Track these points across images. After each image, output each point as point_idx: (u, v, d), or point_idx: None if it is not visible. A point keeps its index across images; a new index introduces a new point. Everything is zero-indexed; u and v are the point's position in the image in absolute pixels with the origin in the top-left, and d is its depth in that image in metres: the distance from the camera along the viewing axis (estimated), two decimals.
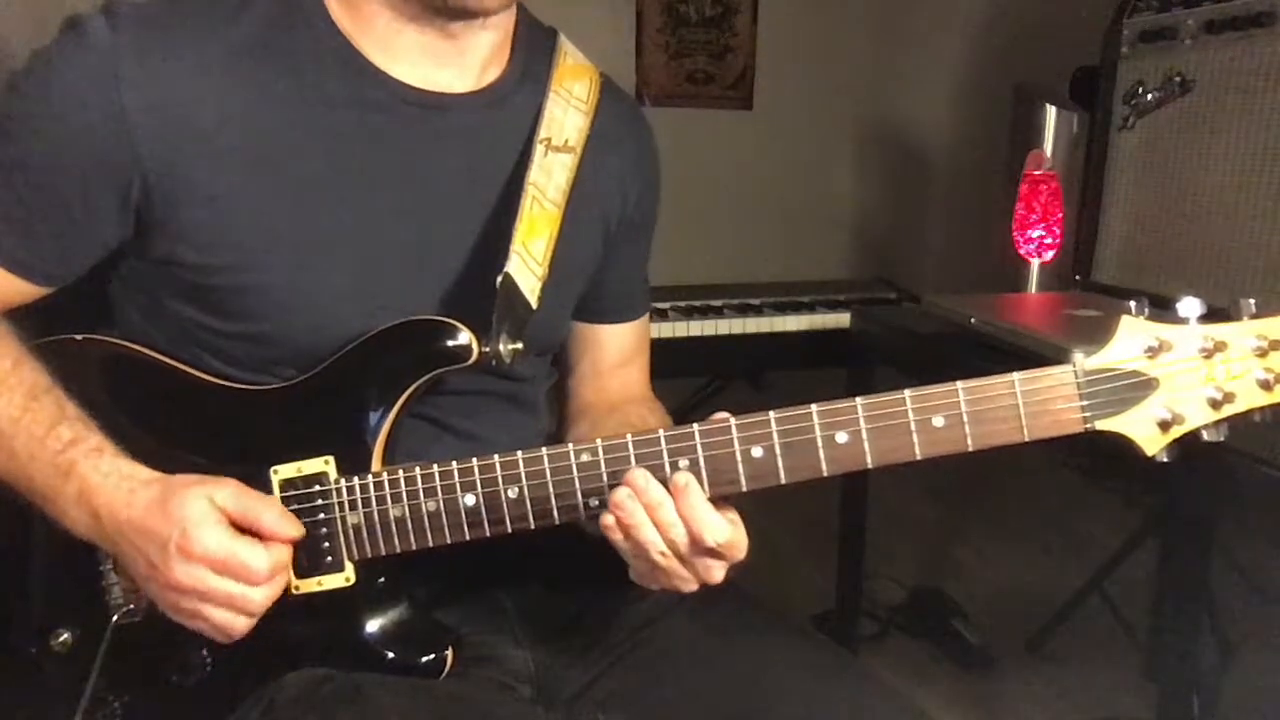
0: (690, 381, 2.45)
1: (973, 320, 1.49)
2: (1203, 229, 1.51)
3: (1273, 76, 1.39)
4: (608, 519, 0.79)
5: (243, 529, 0.80)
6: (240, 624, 0.81)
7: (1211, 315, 0.75)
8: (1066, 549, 2.62)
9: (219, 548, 0.78)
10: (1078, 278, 1.77)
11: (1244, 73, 1.43)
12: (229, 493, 0.81)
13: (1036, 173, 1.96)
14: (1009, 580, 2.57)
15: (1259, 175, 1.41)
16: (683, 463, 0.79)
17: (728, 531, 0.79)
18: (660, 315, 2.03)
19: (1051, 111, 1.98)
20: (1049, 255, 1.96)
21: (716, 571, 0.81)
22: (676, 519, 0.77)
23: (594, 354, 1.11)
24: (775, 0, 3.41)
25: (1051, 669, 2.16)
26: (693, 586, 0.82)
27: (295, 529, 0.83)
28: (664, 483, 0.78)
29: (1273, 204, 1.39)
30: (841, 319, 2.06)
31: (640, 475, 0.78)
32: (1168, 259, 1.58)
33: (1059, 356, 1.26)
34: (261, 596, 0.80)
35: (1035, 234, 1.96)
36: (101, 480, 0.81)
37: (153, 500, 0.80)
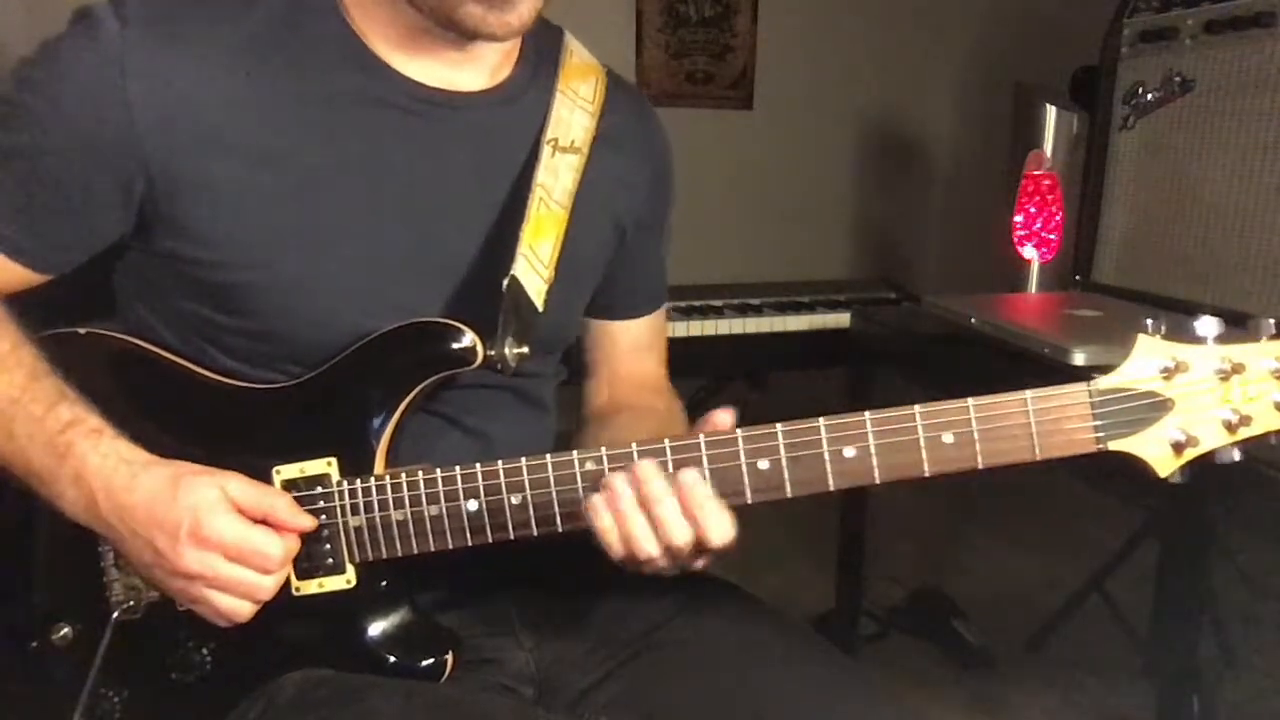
0: (690, 381, 2.44)
1: (973, 320, 1.49)
2: (1202, 229, 1.51)
3: (1273, 76, 1.39)
4: (595, 501, 0.78)
5: (253, 519, 0.81)
6: (245, 610, 0.81)
7: (1228, 335, 0.74)
8: (1066, 549, 2.63)
9: (233, 534, 0.79)
10: (1078, 278, 1.77)
11: (1244, 73, 1.43)
12: (238, 484, 0.81)
13: (1036, 173, 1.97)
14: (1009, 580, 2.58)
15: (1259, 175, 1.41)
16: None
17: (732, 531, 0.78)
18: None
19: (1051, 111, 1.98)
20: (1049, 255, 1.97)
21: (699, 563, 0.81)
22: (679, 517, 0.77)
23: (612, 350, 1.11)
24: (775, 0, 3.41)
25: (1051, 669, 2.16)
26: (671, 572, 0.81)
27: (308, 520, 0.83)
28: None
29: (1273, 204, 1.39)
30: (841, 319, 2.06)
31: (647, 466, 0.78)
32: (1167, 259, 1.58)
33: (1059, 356, 1.26)
34: (272, 583, 0.81)
35: (1035, 234, 1.96)
36: (100, 462, 0.81)
37: (159, 486, 0.80)
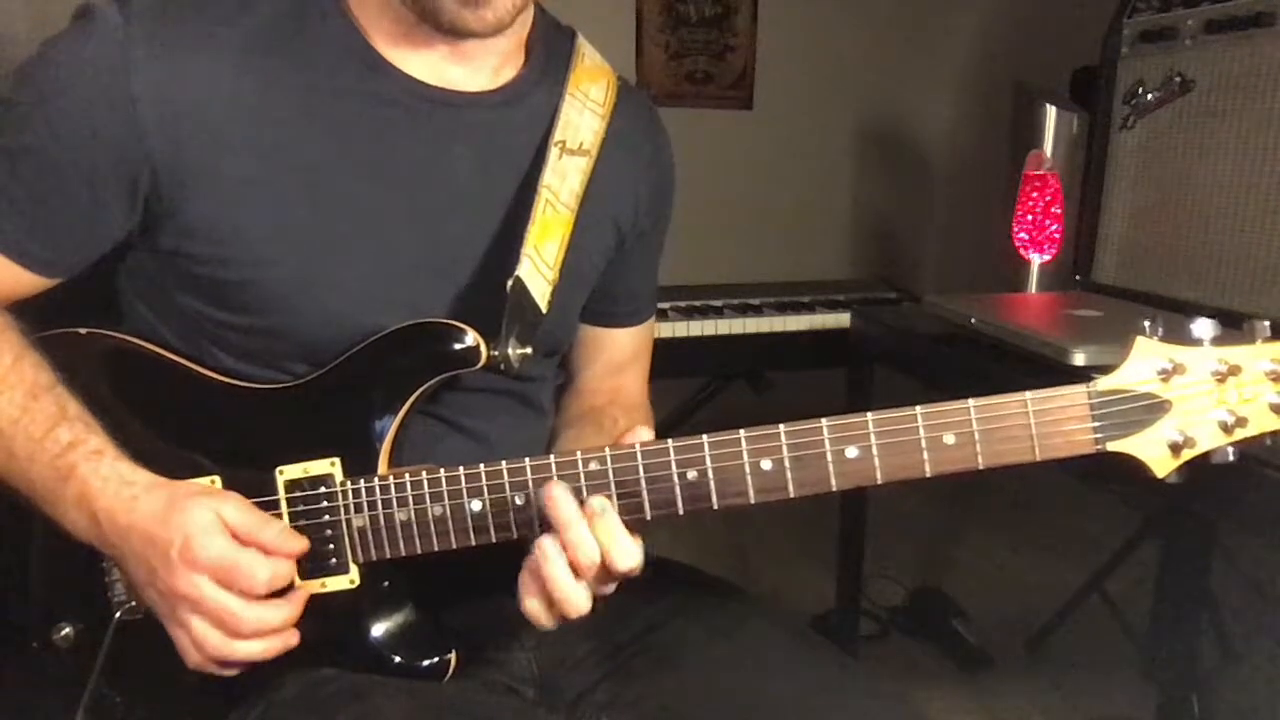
0: (690, 381, 2.45)
1: (973, 320, 1.49)
2: (1202, 229, 1.51)
3: (1273, 76, 1.39)
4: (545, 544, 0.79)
5: (244, 544, 0.80)
6: (213, 641, 0.79)
7: (1225, 336, 0.75)
8: (1066, 549, 2.63)
9: (222, 556, 0.78)
10: (1078, 278, 1.77)
11: (1244, 73, 1.43)
12: (234, 506, 0.81)
13: (1036, 173, 1.97)
14: (1009, 580, 2.58)
15: (1259, 175, 1.41)
16: (691, 474, 0.79)
17: (638, 557, 0.79)
18: (660, 315, 2.02)
19: (1051, 111, 1.98)
20: (1049, 255, 1.97)
21: (608, 589, 0.81)
22: (590, 539, 0.77)
23: (596, 357, 1.11)
24: (775, 0, 3.41)
25: (1051, 669, 2.16)
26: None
27: (299, 544, 0.83)
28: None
29: (1273, 204, 1.39)
30: (841, 319, 2.06)
31: (558, 488, 0.79)
32: (1167, 259, 1.58)
33: (1059, 356, 1.27)
34: (252, 617, 0.79)
35: (1035, 234, 1.96)
36: (101, 485, 0.80)
37: (156, 507, 0.79)
